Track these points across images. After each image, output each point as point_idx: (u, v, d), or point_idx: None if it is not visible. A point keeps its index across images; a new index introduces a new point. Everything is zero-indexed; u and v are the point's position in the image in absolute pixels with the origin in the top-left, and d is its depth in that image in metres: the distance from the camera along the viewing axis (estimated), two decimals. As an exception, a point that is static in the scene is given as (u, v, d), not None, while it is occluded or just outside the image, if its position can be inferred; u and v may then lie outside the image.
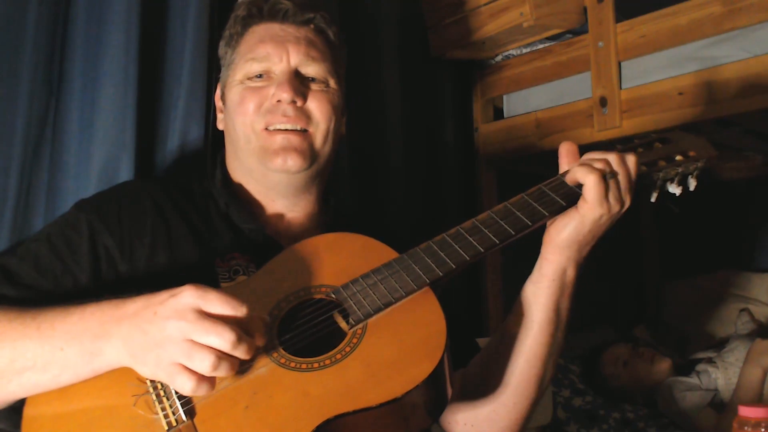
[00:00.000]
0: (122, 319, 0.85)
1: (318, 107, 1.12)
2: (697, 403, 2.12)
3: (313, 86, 1.13)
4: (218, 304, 0.81)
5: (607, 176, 0.96)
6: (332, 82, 1.16)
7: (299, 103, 1.10)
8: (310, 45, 1.14)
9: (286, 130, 1.10)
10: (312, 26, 1.17)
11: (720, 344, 2.41)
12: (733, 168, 2.57)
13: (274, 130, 1.10)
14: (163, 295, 0.83)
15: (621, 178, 0.97)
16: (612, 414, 2.25)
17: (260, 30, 1.15)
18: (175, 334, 0.80)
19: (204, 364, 0.79)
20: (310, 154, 1.11)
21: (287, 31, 1.14)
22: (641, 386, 2.29)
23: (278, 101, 1.09)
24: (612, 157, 0.98)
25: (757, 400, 2.03)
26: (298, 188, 1.15)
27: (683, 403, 2.13)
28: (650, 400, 2.28)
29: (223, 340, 0.79)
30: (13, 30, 1.24)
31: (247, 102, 1.11)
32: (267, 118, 1.10)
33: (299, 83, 1.11)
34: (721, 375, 2.17)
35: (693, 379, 2.20)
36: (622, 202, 0.97)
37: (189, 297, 0.81)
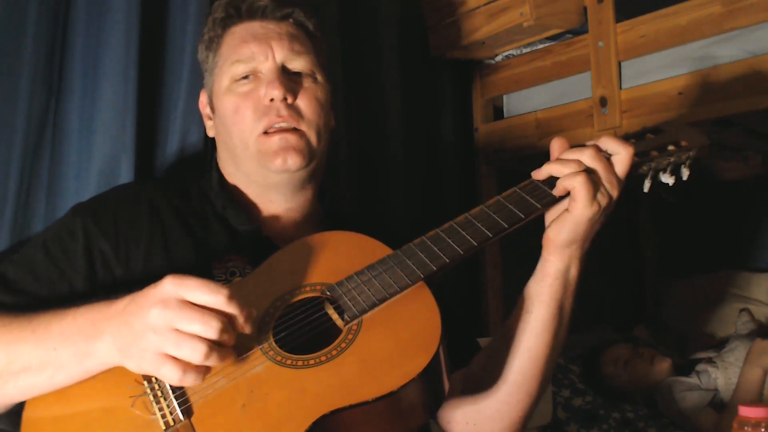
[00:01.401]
0: (112, 317, 0.85)
1: (308, 105, 1.11)
2: (697, 403, 2.12)
3: (302, 81, 1.13)
4: (196, 289, 0.81)
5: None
6: (319, 76, 1.15)
7: (290, 100, 1.09)
8: (293, 39, 1.13)
9: (282, 129, 1.09)
10: (291, 20, 1.16)
11: (720, 344, 2.41)
12: (733, 168, 2.56)
13: (270, 132, 1.09)
14: (146, 289, 0.84)
15: (600, 172, 0.97)
16: (612, 414, 2.25)
17: (240, 30, 1.14)
18: (159, 324, 0.80)
19: (195, 353, 0.79)
20: (308, 152, 1.11)
21: (268, 28, 1.13)
22: (641, 386, 2.29)
23: (271, 100, 1.09)
24: (585, 155, 0.97)
25: (757, 400, 2.03)
26: (296, 186, 1.14)
27: (683, 403, 2.13)
28: (650, 400, 2.28)
29: (210, 327, 0.79)
30: (13, 30, 1.25)
31: (243, 110, 1.10)
32: (264, 122, 1.09)
33: (287, 79, 1.10)
34: (721, 375, 2.17)
35: (693, 379, 2.20)
36: (609, 196, 0.97)
37: (168, 286, 0.81)
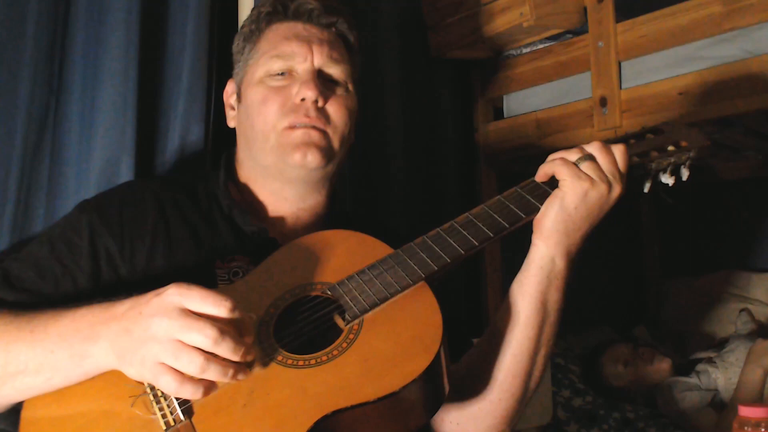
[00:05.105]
0: (110, 321, 0.85)
1: (337, 110, 1.13)
2: (697, 403, 2.12)
3: (335, 89, 1.14)
4: (199, 300, 0.81)
5: (579, 159, 0.98)
6: (351, 87, 1.17)
7: (320, 104, 1.10)
8: (333, 47, 1.15)
9: (306, 126, 1.10)
10: (334, 30, 1.18)
11: (720, 344, 2.41)
12: (733, 168, 2.57)
13: (294, 127, 1.10)
14: (148, 296, 0.83)
15: (601, 160, 0.98)
16: (612, 414, 2.25)
17: (284, 28, 1.15)
18: (159, 333, 0.80)
19: (192, 366, 0.79)
20: (328, 153, 1.11)
21: (311, 31, 1.15)
22: (641, 386, 2.29)
23: (302, 100, 1.09)
24: (590, 146, 1.00)
25: (758, 400, 2.03)
26: (310, 186, 1.15)
27: (683, 403, 2.13)
28: (650, 400, 2.28)
29: (204, 336, 0.79)
30: (13, 30, 1.25)
31: (270, 102, 1.11)
32: (290, 117, 1.09)
33: (321, 83, 1.12)
34: (721, 375, 2.17)
35: (693, 379, 2.20)
36: (608, 183, 0.98)
37: (172, 295, 0.81)
